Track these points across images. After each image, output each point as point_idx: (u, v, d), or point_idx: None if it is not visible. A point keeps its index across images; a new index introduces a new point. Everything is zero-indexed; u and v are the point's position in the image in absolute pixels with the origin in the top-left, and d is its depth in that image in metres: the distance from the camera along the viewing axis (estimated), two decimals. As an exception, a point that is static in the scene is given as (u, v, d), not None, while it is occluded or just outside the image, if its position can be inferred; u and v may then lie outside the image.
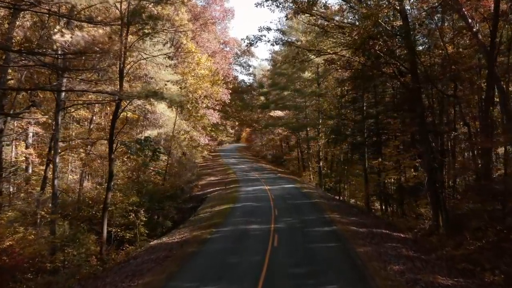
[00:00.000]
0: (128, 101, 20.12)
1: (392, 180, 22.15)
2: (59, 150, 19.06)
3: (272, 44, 23.87)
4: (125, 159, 31.66)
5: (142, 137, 26.65)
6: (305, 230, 18.57)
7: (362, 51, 18.25)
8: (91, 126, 34.03)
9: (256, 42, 20.86)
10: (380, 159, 23.04)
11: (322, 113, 46.05)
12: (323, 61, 21.17)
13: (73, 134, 35.21)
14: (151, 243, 21.37)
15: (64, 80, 16.74)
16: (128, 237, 23.70)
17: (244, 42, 22.59)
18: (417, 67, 18.88)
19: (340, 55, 20.87)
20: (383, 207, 30.32)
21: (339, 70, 35.80)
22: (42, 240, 15.34)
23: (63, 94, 18.96)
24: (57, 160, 18.63)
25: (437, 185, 19.15)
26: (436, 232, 18.69)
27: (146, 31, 17.90)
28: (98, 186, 29.52)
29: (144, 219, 24.40)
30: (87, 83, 12.92)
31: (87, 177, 35.00)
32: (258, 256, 14.20)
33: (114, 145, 20.67)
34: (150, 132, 34.19)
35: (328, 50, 20.49)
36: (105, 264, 18.87)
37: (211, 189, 38.95)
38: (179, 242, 18.54)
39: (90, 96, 28.15)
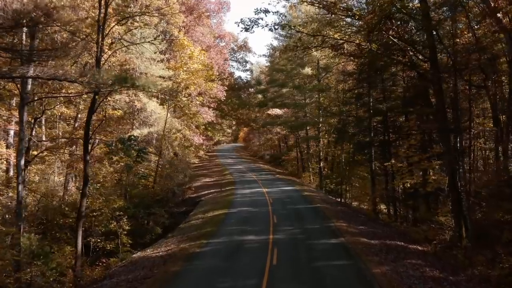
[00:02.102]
0: (104, 94, 17.62)
1: (408, 185, 19.77)
2: (24, 151, 16.46)
3: (271, 29, 21.08)
4: (112, 159, 29.13)
5: (126, 136, 23.97)
6: (309, 242, 16.15)
7: (377, 33, 15.79)
8: (76, 125, 31.56)
9: (252, 27, 18.24)
10: (393, 160, 20.60)
11: (323, 110, 43.41)
12: (329, 46, 18.61)
13: (60, 133, 32.81)
14: (134, 255, 18.92)
15: (31, 69, 14.27)
16: (109, 248, 21.13)
17: (238, 26, 19.96)
18: (437, 55, 16.42)
19: (349, 41, 18.36)
20: (391, 212, 27.89)
21: (343, 64, 33.40)
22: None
23: (29, 86, 16.43)
24: (22, 163, 16.03)
25: (460, 190, 16.72)
26: (459, 244, 16.27)
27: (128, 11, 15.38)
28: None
29: (127, 227, 21.86)
30: (41, 65, 10.40)
31: (73, 179, 32.57)
32: (254, 278, 11.80)
33: (90, 145, 18.16)
34: (140, 131, 31.63)
35: (335, 36, 17.94)
36: (80, 281, 16.52)
37: (206, 192, 36.54)
38: (163, 256, 16.13)
39: (70, 91, 25.67)
